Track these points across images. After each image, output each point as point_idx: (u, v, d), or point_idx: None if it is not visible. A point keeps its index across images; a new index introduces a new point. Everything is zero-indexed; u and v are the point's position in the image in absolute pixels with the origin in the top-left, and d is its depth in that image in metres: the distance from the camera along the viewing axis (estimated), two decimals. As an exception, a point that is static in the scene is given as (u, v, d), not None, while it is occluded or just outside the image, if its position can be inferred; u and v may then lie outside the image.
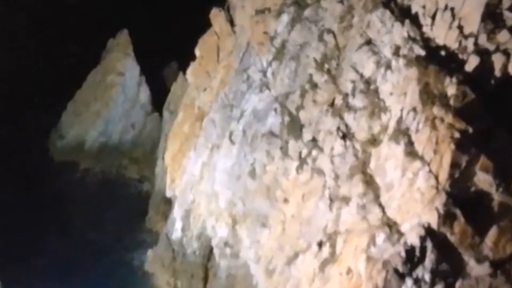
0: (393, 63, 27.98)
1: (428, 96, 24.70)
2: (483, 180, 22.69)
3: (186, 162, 42.21)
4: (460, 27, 25.63)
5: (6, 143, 50.66)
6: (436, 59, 25.74)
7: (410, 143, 24.95)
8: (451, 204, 22.70)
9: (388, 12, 29.02)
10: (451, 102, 23.91)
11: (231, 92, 38.72)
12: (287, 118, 34.14)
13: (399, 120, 26.09)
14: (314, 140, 31.93)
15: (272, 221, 33.74)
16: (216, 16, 42.17)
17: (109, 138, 54.18)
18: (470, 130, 23.14)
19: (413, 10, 28.13)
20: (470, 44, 25.22)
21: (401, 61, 27.34)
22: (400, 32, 28.00)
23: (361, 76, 30.03)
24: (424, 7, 27.46)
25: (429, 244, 22.66)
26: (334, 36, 32.55)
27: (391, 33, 28.63)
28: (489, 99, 23.94)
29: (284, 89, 34.72)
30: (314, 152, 31.56)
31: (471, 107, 23.62)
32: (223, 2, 42.88)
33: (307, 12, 34.33)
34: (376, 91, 28.90)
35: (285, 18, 35.55)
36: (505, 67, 24.37)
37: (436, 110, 24.00)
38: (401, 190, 24.86)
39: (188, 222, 41.07)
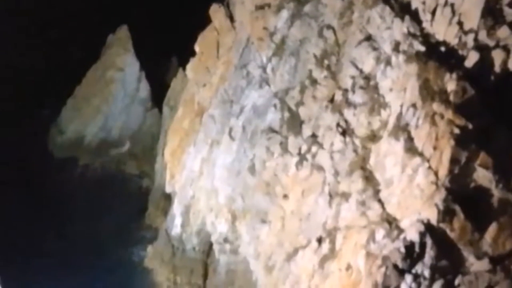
0: (393, 59, 27.96)
1: (428, 92, 24.69)
2: (482, 176, 22.71)
3: (185, 157, 42.20)
4: (460, 23, 25.62)
5: (5, 139, 50.59)
6: (436, 55, 25.73)
7: (409, 139, 24.96)
8: (450, 200, 22.71)
9: (388, 8, 28.99)
10: (451, 98, 23.91)
11: (231, 88, 38.70)
12: (286, 114, 34.12)
13: (399, 116, 26.09)
14: (313, 136, 31.92)
15: (272, 217, 33.75)
16: (216, 12, 42.11)
17: (108, 134, 54.16)
18: (470, 126, 23.14)
19: (413, 6, 28.10)
20: (470, 40, 25.22)
21: (401, 57, 27.32)
22: (400, 28, 27.97)
23: (361, 72, 30.02)
24: (424, 3, 27.45)
25: (428, 240, 22.67)
26: (334, 32, 32.51)
27: (391, 29, 28.61)
28: (489, 95, 23.93)
29: (284, 85, 34.69)
30: (313, 148, 31.55)
31: (471, 103, 23.62)
32: (223, -2, 42.89)
33: (307, 8, 34.28)
34: (375, 87, 28.88)
35: (285, 14, 35.49)
36: (505, 63, 24.39)
37: (436, 106, 23.99)
38: (401, 186, 24.87)
39: (187, 218, 41.08)
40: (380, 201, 26.17)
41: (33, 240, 42.69)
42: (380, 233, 25.07)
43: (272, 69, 35.61)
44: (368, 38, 30.10)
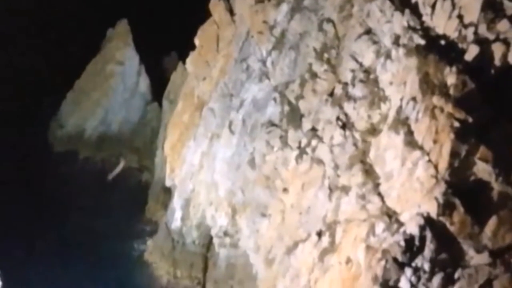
0: (393, 52, 27.94)
1: (428, 85, 24.68)
2: (482, 169, 22.70)
3: (185, 151, 42.20)
4: (460, 17, 25.60)
5: (6, 132, 50.59)
6: (436, 49, 25.71)
7: (409, 133, 24.96)
8: (450, 194, 22.71)
9: (388, 2, 28.96)
10: (451, 91, 23.89)
11: (231, 81, 38.68)
12: (286, 108, 34.12)
13: (399, 110, 26.08)
14: (313, 129, 31.93)
15: (272, 211, 33.79)
16: (216, 5, 42.06)
17: (108, 127, 54.16)
18: (470, 119, 23.13)
19: (413, 0, 28.08)
20: (470, 33, 25.20)
21: (401, 51, 27.30)
22: (400, 21, 27.95)
23: (361, 65, 30.01)
24: (424, -4, 27.47)
25: (428, 234, 22.67)
26: (334, 26, 32.50)
27: (391, 23, 28.59)
28: (489, 89, 23.92)
29: (284, 78, 34.69)
30: (313, 142, 31.56)
31: (471, 97, 23.60)
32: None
33: (306, 2, 34.25)
34: (375, 80, 28.88)
35: (284, 7, 35.46)
36: (505, 56, 24.36)
37: (436, 100, 23.98)
38: (401, 180, 24.87)
39: (187, 211, 41.11)
40: (380, 194, 26.19)
41: (33, 233, 42.70)
42: (380, 227, 25.09)
43: (272, 62, 35.59)
44: (368, 31, 30.09)
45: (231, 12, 41.10)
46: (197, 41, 43.31)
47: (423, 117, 24.35)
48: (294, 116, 33.45)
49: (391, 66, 27.97)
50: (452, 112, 23.35)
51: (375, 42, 29.53)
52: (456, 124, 23.07)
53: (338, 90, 31.06)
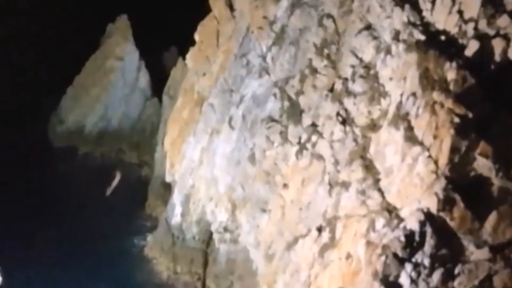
0: (393, 48, 27.93)
1: (428, 81, 24.67)
2: (482, 165, 22.70)
3: (185, 147, 42.17)
4: (460, 12, 25.58)
5: (5, 128, 50.59)
6: (436, 44, 25.69)
7: (409, 128, 24.95)
8: (450, 189, 22.71)
9: (388, -3, 28.97)
10: (451, 87, 23.89)
11: (231, 77, 38.65)
12: (286, 103, 34.12)
13: (399, 105, 26.08)
14: (313, 125, 31.93)
15: (272, 206, 33.79)
16: (216, 1, 41.98)
17: (108, 123, 54.17)
18: (470, 115, 23.13)
19: (413, -5, 28.09)
20: (470, 29, 25.19)
21: (401, 46, 27.29)
22: (400, 17, 27.92)
23: (361, 61, 30.01)
24: (424, -9, 27.43)
25: (428, 229, 22.68)
26: (334, 21, 32.48)
27: (391, 18, 28.56)
28: (489, 84, 23.90)
29: (284, 74, 34.68)
30: (313, 137, 31.56)
31: (471, 92, 23.60)
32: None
33: (306, -3, 34.26)
34: (375, 76, 28.87)
35: (284, 2, 35.42)
36: (505, 52, 24.35)
37: (436, 95, 23.97)
38: (401, 175, 24.87)
39: (187, 207, 41.09)
40: (380, 190, 26.19)
41: (32, 229, 42.71)
42: (380, 222, 25.11)
43: (272, 58, 35.56)
44: (368, 27, 30.08)
45: (231, 7, 41.02)
46: (197, 37, 43.26)
47: (423, 113, 24.34)
48: (294, 112, 33.44)
49: (391, 62, 27.96)
50: (452, 107, 23.35)
51: (375, 38, 29.52)
52: (456, 119, 23.07)
53: (338, 86, 31.05)
